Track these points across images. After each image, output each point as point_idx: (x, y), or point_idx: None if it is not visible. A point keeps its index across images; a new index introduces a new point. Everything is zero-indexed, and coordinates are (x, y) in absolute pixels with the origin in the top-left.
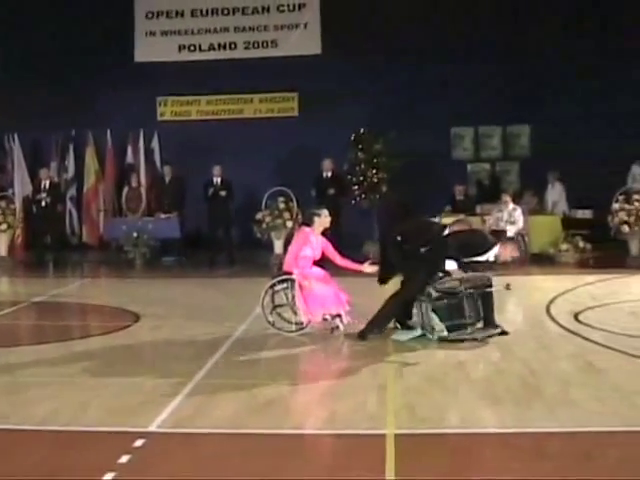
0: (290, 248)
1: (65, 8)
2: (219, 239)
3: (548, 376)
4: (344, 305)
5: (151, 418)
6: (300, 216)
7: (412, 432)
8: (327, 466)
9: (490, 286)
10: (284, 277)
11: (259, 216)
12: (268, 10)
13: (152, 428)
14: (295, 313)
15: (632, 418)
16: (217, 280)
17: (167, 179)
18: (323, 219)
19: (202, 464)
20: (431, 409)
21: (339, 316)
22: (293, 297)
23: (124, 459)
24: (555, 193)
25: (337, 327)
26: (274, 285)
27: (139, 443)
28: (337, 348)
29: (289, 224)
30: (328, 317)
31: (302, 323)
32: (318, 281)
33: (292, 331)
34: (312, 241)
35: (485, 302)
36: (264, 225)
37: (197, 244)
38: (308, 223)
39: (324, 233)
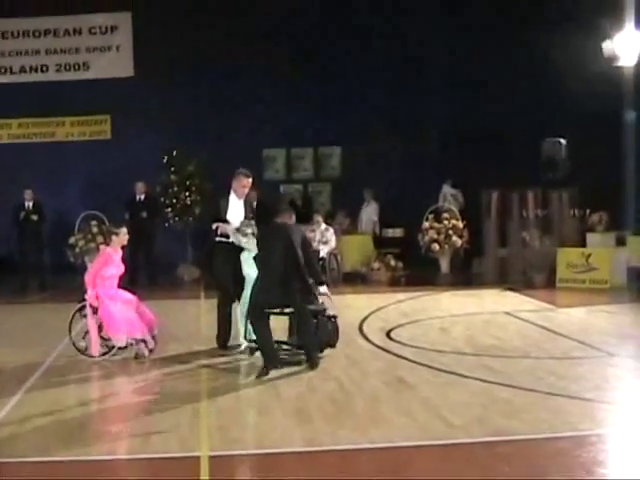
0: (90, 269)
1: None
2: (31, 264)
3: (359, 393)
4: (150, 330)
5: None
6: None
7: (225, 453)
8: None
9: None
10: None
11: (72, 240)
12: (80, 32)
13: None
14: (104, 338)
15: (439, 432)
16: (28, 306)
17: None
18: (122, 237)
19: None
20: (244, 430)
21: (144, 341)
22: (97, 321)
23: None
24: (370, 211)
25: (142, 353)
26: (82, 309)
27: None
28: (147, 372)
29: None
30: (132, 342)
31: (109, 347)
32: (124, 304)
33: (97, 356)
34: (115, 260)
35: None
36: (77, 249)
37: (8, 269)
38: (108, 242)
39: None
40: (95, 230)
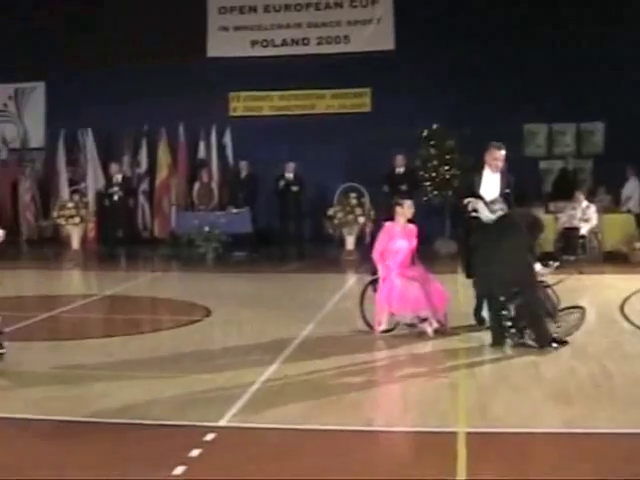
0: (376, 245)
1: (140, 3)
2: (290, 234)
3: (621, 376)
4: (436, 310)
5: (221, 412)
6: (372, 212)
7: (483, 431)
8: (397, 463)
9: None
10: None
11: (331, 212)
12: (341, 5)
13: (222, 423)
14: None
15: None
16: (288, 275)
17: (243, 174)
18: (405, 210)
19: (271, 459)
20: (502, 408)
21: (426, 320)
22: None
23: (195, 453)
24: (632, 188)
25: (426, 332)
26: (373, 283)
27: (209, 437)
28: (409, 347)
29: (361, 220)
30: (417, 320)
31: (394, 324)
32: (411, 280)
33: (381, 332)
34: (397, 232)
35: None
36: (336, 221)
37: (268, 239)
38: (390, 217)
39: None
40: (354, 202)
